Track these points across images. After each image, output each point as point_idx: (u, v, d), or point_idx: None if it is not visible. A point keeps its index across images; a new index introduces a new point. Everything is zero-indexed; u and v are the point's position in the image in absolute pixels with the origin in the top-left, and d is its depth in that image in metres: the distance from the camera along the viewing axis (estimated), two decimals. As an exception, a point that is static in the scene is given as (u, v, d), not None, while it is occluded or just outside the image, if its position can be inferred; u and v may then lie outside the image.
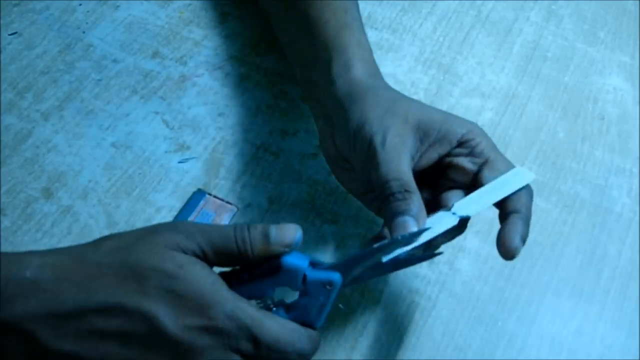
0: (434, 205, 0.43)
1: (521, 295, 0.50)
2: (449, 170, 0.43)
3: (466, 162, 0.42)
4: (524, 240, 0.41)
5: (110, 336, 0.33)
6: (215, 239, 0.36)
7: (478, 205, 0.41)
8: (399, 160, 0.40)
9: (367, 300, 0.49)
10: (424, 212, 0.40)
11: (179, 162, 0.55)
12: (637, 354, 0.47)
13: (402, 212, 0.39)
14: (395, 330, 0.48)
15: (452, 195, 0.42)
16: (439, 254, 0.44)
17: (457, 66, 0.63)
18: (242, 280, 0.37)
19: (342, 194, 0.54)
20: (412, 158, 0.41)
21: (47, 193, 0.53)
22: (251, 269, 0.37)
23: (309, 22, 0.51)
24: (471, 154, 0.42)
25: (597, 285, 0.51)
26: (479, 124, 0.42)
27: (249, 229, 0.37)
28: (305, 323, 0.37)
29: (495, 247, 0.52)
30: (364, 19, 0.65)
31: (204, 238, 0.36)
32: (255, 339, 0.34)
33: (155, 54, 0.62)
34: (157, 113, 0.58)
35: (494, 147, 0.43)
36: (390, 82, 0.59)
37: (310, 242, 0.51)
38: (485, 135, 0.43)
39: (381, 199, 0.40)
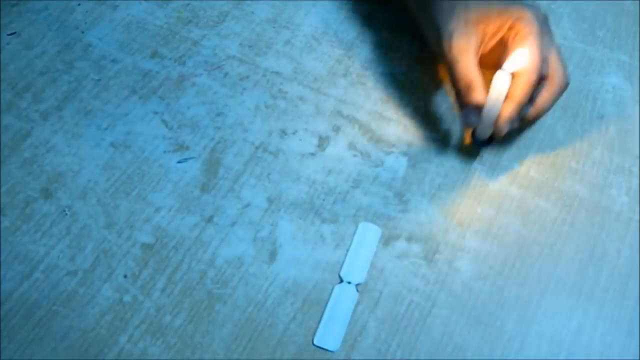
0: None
1: (520, 294, 0.50)
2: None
3: (510, 44, 0.50)
4: (513, 123, 0.51)
5: None
6: None
7: (362, 267, 0.49)
8: (467, 60, 0.49)
9: (367, 300, 0.49)
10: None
11: (178, 162, 0.55)
12: (636, 354, 0.47)
13: (467, 106, 0.50)
14: (395, 330, 0.48)
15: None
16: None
17: (456, 65, 0.63)
18: None
19: (341, 194, 0.54)
20: (476, 52, 0.50)
21: (46, 193, 0.53)
22: None
23: None
24: (514, 38, 0.50)
25: (597, 284, 0.51)
26: (478, 123, 0.42)
27: None
28: None
29: (494, 246, 0.52)
30: (363, 18, 0.65)
31: None
32: None
33: (154, 54, 0.62)
34: (156, 113, 0.58)
35: (535, 34, 0.49)
36: (390, 82, 0.59)
37: (309, 241, 0.51)
38: (534, 22, 0.49)
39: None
